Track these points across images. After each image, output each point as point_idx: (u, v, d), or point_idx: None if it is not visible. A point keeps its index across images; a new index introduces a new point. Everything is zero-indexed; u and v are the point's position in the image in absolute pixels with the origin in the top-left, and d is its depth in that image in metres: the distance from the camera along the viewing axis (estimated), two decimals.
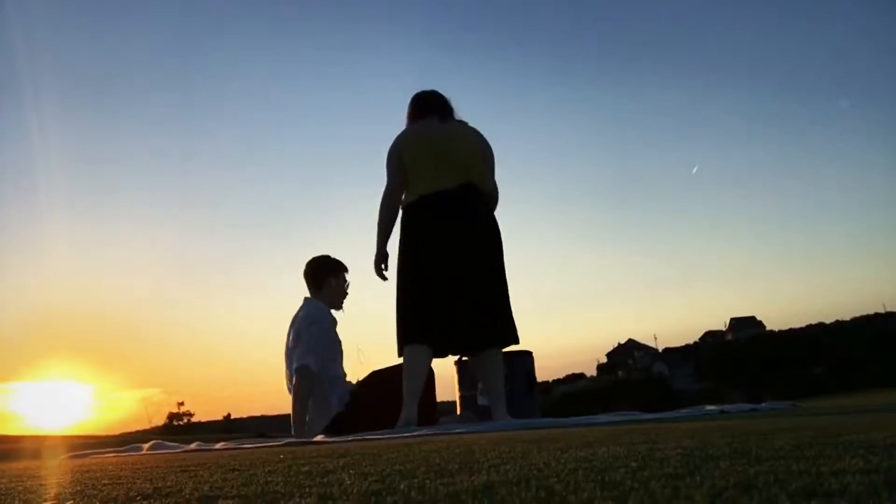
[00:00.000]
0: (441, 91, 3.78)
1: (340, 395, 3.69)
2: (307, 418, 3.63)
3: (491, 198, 3.63)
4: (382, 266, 3.65)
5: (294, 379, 3.61)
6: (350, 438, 2.92)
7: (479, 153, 3.60)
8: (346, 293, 3.95)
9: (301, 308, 3.87)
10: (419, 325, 3.40)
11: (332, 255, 4.05)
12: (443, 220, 3.43)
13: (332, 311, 3.88)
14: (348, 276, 3.99)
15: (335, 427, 3.51)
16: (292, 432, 3.58)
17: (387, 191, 3.61)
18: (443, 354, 3.53)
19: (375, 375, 3.78)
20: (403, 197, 3.59)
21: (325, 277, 3.91)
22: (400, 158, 3.56)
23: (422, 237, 3.46)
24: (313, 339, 3.67)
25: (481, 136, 3.66)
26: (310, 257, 4.04)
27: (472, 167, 3.54)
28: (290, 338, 3.77)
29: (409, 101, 3.82)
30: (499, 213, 3.64)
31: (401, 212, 3.59)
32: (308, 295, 3.95)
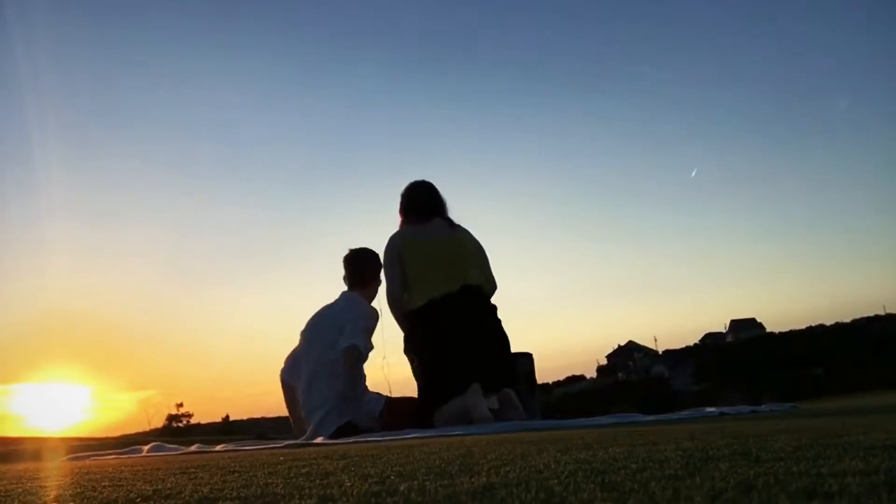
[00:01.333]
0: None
1: (367, 399, 3.65)
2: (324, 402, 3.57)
3: (491, 291, 3.82)
4: None
5: (344, 355, 3.55)
6: (351, 440, 2.92)
7: (476, 257, 3.80)
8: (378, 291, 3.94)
9: (346, 301, 3.80)
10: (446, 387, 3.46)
11: (374, 250, 3.97)
12: (451, 322, 3.57)
13: None
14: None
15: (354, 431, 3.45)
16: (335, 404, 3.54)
17: (392, 301, 3.75)
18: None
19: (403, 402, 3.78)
20: (409, 300, 3.70)
21: (373, 277, 3.88)
22: (401, 264, 3.70)
23: (436, 336, 3.58)
24: (368, 330, 3.66)
25: (473, 238, 3.86)
26: (354, 247, 3.97)
27: (471, 271, 3.71)
28: (328, 327, 3.70)
29: (402, 191, 3.95)
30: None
31: (410, 315, 3.68)
32: (345, 285, 3.89)
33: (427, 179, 3.98)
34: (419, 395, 3.63)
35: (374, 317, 3.73)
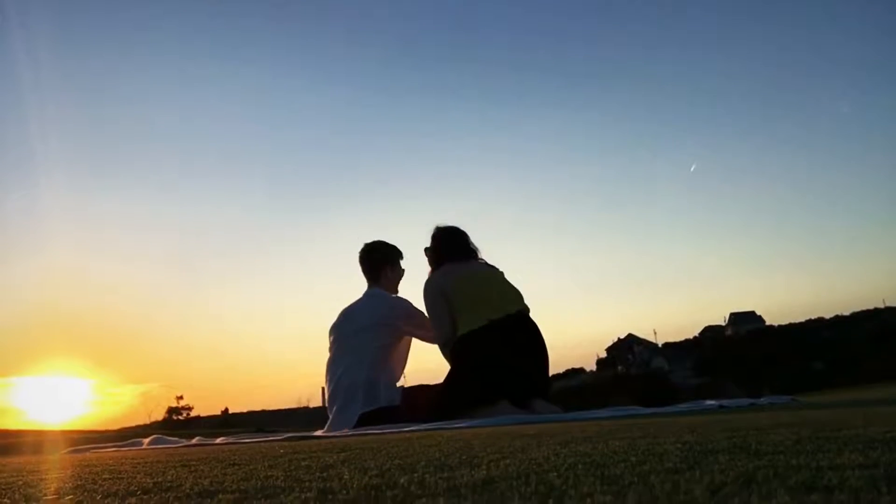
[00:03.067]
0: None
1: (388, 387, 3.67)
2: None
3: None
4: None
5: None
6: (349, 433, 2.93)
7: (515, 287, 3.74)
8: (400, 280, 3.95)
9: (368, 299, 3.85)
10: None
11: (388, 241, 4.01)
12: (512, 342, 3.49)
13: None
14: (403, 263, 3.98)
15: (380, 418, 3.48)
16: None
17: (443, 343, 3.63)
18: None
19: (423, 389, 3.78)
20: (461, 325, 3.56)
21: (382, 267, 3.90)
22: (447, 301, 3.58)
23: (494, 352, 3.47)
24: (421, 322, 3.73)
25: (504, 273, 3.80)
26: (366, 242, 4.00)
27: (520, 297, 3.68)
28: (352, 321, 3.77)
29: (432, 235, 3.88)
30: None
31: (464, 338, 3.53)
32: (365, 280, 3.94)
33: (456, 225, 3.94)
34: (447, 388, 3.57)
35: (412, 312, 3.76)
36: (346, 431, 3.28)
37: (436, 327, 3.64)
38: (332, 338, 3.86)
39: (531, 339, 3.60)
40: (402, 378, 3.84)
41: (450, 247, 3.83)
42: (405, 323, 3.74)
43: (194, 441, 3.25)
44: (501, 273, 3.81)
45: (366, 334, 3.69)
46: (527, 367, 3.52)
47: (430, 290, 3.66)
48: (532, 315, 3.69)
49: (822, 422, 1.62)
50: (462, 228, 3.93)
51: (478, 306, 3.54)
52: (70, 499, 1.00)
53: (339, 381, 3.66)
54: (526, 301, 3.72)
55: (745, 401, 4.16)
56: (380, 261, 3.91)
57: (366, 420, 3.46)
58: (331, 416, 3.61)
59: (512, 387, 3.43)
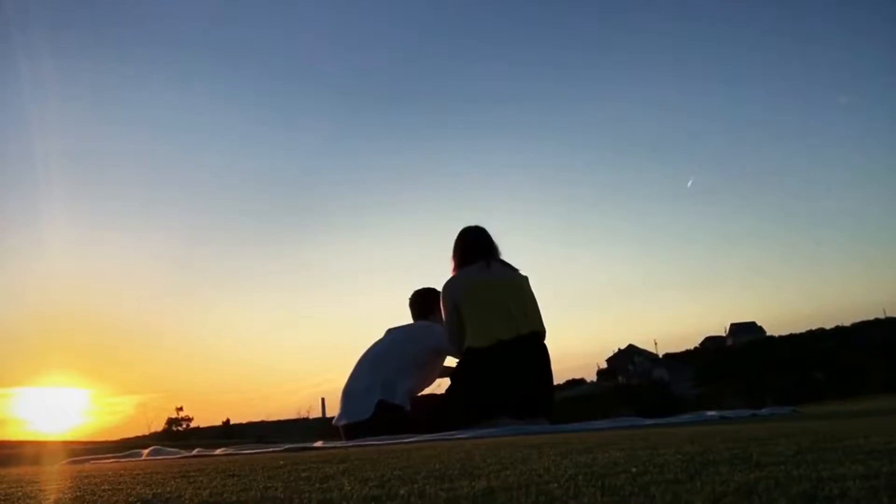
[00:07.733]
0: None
1: (405, 391, 3.78)
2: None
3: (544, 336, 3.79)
4: None
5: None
6: (350, 444, 2.92)
7: (535, 302, 3.74)
8: None
9: (412, 325, 4.13)
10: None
11: (437, 289, 4.16)
12: (517, 364, 3.50)
13: None
14: None
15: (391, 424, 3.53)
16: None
17: (449, 345, 3.73)
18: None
19: (431, 399, 3.89)
20: (470, 338, 3.59)
21: (433, 311, 4.08)
22: (458, 312, 3.63)
23: (497, 374, 3.48)
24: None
25: (528, 281, 3.79)
26: (417, 288, 4.28)
27: (537, 315, 3.68)
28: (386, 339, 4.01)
29: (456, 235, 3.92)
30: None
31: (470, 352, 3.58)
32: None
33: (479, 224, 3.97)
34: (447, 401, 3.64)
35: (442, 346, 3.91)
36: (345, 441, 3.29)
37: (446, 331, 3.73)
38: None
39: (537, 365, 3.58)
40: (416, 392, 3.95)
41: (465, 250, 3.84)
42: (434, 352, 3.90)
43: (194, 452, 3.24)
44: (522, 280, 3.77)
45: (398, 345, 3.93)
46: (529, 389, 3.52)
47: (443, 296, 3.72)
48: (546, 338, 3.68)
49: (823, 432, 1.62)
50: (481, 227, 3.94)
51: (490, 323, 3.54)
52: None
53: (360, 376, 3.81)
54: (542, 318, 3.70)
55: (747, 411, 4.15)
56: (432, 304, 4.07)
57: (382, 409, 3.55)
58: (347, 401, 3.73)
59: (512, 406, 3.45)
